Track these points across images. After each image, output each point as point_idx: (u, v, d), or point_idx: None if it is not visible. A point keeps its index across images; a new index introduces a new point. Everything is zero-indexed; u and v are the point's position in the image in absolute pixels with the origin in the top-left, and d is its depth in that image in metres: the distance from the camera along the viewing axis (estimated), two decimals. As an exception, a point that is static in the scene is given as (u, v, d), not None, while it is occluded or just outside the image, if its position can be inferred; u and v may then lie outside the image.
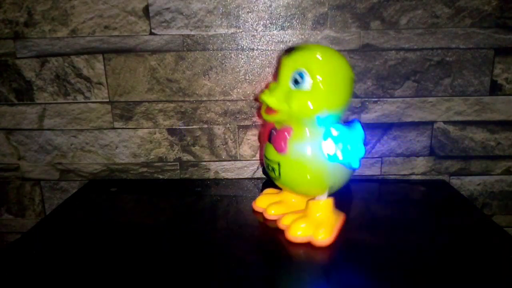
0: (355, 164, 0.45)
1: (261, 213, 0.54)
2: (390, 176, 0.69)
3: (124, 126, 0.68)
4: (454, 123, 0.66)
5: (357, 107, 0.65)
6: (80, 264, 0.44)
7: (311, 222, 0.46)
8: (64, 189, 0.72)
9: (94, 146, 0.69)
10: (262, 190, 0.63)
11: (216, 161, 0.69)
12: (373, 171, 0.69)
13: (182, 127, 0.62)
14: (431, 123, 0.66)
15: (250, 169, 0.69)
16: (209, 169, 0.70)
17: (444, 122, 0.66)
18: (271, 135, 0.48)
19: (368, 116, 0.66)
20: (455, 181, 0.69)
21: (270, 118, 0.46)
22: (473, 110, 0.65)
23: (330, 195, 0.48)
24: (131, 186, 0.68)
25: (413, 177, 0.69)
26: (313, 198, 0.48)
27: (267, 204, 0.53)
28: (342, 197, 0.55)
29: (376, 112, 0.66)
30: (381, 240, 0.47)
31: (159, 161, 0.69)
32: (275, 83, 0.46)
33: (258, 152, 0.68)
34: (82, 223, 0.54)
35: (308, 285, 0.40)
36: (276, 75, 0.49)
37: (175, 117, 0.67)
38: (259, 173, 0.69)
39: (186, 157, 0.69)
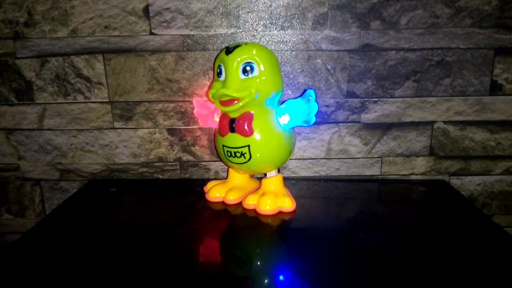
0: (312, 120, 0.52)
1: (263, 214, 0.54)
2: (390, 176, 0.69)
3: (124, 126, 0.68)
4: (454, 123, 0.66)
5: (357, 107, 0.65)
6: (80, 264, 0.44)
7: (273, 196, 0.55)
8: (64, 189, 0.72)
9: (94, 146, 0.69)
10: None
11: (216, 161, 0.69)
12: (373, 171, 0.69)
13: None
14: (431, 123, 0.66)
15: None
16: (209, 169, 0.70)
17: (444, 122, 0.66)
18: (232, 125, 0.53)
19: (368, 116, 0.66)
20: (455, 181, 0.69)
21: (229, 108, 0.52)
22: (473, 110, 0.65)
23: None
24: (131, 186, 0.68)
25: (413, 177, 0.69)
26: (265, 177, 0.57)
27: (218, 193, 0.59)
28: (342, 197, 0.55)
29: (376, 112, 0.66)
30: (381, 240, 0.47)
31: (159, 161, 0.69)
32: (219, 81, 0.52)
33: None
34: (82, 223, 0.54)
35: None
36: (215, 74, 0.54)
37: (175, 117, 0.67)
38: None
39: (186, 157, 0.69)
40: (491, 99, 0.65)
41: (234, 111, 0.52)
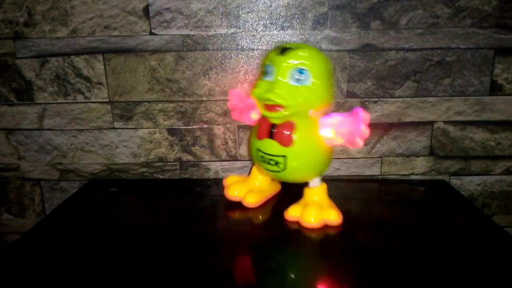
0: (358, 144, 0.47)
1: (260, 214, 0.54)
2: (390, 176, 0.69)
3: (124, 126, 0.68)
4: (454, 123, 0.66)
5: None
6: (80, 264, 0.44)
7: (317, 208, 0.50)
8: (64, 189, 0.72)
9: (94, 146, 0.69)
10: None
11: (216, 161, 0.69)
12: (373, 171, 0.69)
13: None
14: (431, 123, 0.66)
15: (250, 169, 0.69)
16: (209, 169, 0.70)
17: (444, 122, 0.66)
18: (271, 131, 0.50)
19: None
20: (455, 181, 0.69)
21: (272, 114, 0.48)
22: (473, 110, 0.65)
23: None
24: (131, 186, 0.68)
25: (413, 177, 0.69)
26: (307, 185, 0.53)
27: (237, 191, 0.56)
28: (342, 197, 0.55)
29: (376, 112, 0.66)
30: (381, 240, 0.47)
31: (159, 161, 0.69)
32: (266, 81, 0.48)
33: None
34: (82, 223, 0.54)
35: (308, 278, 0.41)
36: (261, 72, 0.51)
37: (175, 117, 0.67)
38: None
39: (186, 157, 0.69)
40: (491, 99, 0.65)
41: (277, 117, 0.49)
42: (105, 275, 0.42)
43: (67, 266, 0.43)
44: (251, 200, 0.55)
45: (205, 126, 0.67)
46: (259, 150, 0.52)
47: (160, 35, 0.63)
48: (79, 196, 0.64)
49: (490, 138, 0.67)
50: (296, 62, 0.47)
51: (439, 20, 0.61)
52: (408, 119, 0.66)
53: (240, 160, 0.69)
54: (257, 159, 0.53)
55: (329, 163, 0.53)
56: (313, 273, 0.43)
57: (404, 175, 0.69)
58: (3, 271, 0.43)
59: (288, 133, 0.49)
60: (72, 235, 0.51)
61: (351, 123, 0.47)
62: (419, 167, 0.68)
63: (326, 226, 0.50)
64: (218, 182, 0.68)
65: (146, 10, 0.62)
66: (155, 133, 0.68)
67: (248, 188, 0.56)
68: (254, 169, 0.58)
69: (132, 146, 0.69)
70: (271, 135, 0.50)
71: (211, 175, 0.70)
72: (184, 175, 0.70)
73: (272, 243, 0.48)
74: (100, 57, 0.64)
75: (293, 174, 0.51)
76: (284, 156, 0.49)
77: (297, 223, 0.51)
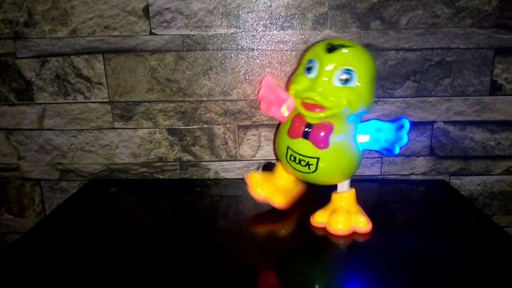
0: (395, 151, 0.45)
1: (257, 213, 0.54)
2: (390, 176, 0.69)
3: (124, 126, 0.68)
4: (454, 123, 0.66)
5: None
6: (80, 264, 0.44)
7: (345, 214, 0.49)
8: (64, 189, 0.72)
9: (94, 146, 0.69)
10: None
11: (216, 161, 0.69)
12: (373, 171, 0.69)
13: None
14: (431, 123, 0.66)
15: (250, 169, 0.69)
16: (209, 169, 0.70)
17: (444, 122, 0.66)
18: (306, 131, 0.47)
19: (368, 116, 0.66)
20: (455, 181, 0.69)
21: (311, 114, 0.46)
22: (473, 110, 0.65)
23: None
24: (131, 186, 0.68)
25: (413, 177, 0.69)
26: (335, 189, 0.51)
27: (260, 188, 0.53)
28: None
29: (376, 112, 0.66)
30: (381, 240, 0.47)
31: (159, 161, 0.69)
32: (308, 77, 0.46)
33: (258, 152, 0.68)
34: (82, 223, 0.54)
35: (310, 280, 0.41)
36: (301, 66, 0.48)
37: (175, 117, 0.67)
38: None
39: (186, 157, 0.69)
40: (491, 99, 0.65)
41: (317, 118, 0.46)
42: (105, 275, 0.42)
43: (67, 266, 0.43)
44: (279, 201, 0.52)
45: (205, 126, 0.67)
46: (289, 148, 0.49)
47: (160, 35, 0.63)
48: (79, 196, 0.64)
49: (490, 138, 0.67)
50: (344, 61, 0.44)
51: (439, 20, 0.61)
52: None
53: (240, 160, 0.69)
54: (286, 157, 0.50)
55: (359, 166, 0.51)
56: (340, 284, 0.41)
57: (404, 175, 0.69)
58: (3, 271, 0.43)
59: (325, 135, 0.46)
60: (72, 235, 0.51)
61: (391, 130, 0.46)
62: (419, 167, 0.68)
63: (354, 233, 0.49)
64: (218, 182, 0.68)
65: (146, 10, 0.62)
66: (155, 133, 0.68)
67: (274, 187, 0.54)
68: (280, 167, 0.55)
69: (132, 146, 0.69)
70: (305, 135, 0.47)
71: (211, 175, 0.70)
72: (184, 175, 0.70)
73: (296, 250, 0.46)
74: (100, 57, 0.64)
75: (323, 176, 0.49)
76: (317, 158, 0.47)
77: (324, 229, 0.49)
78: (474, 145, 0.67)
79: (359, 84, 0.45)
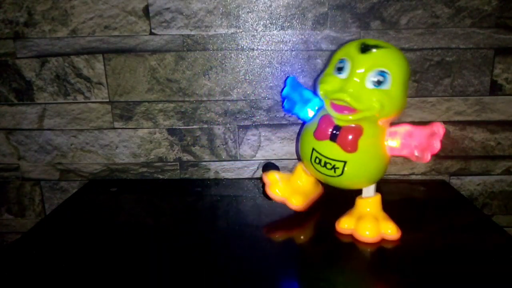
0: (425, 159, 0.44)
1: (257, 213, 0.54)
2: (390, 176, 0.69)
3: (124, 126, 0.68)
4: (454, 123, 0.66)
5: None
6: (80, 264, 0.44)
7: (373, 220, 0.47)
8: (64, 189, 0.72)
9: (94, 146, 0.69)
10: (262, 191, 0.63)
11: (216, 161, 0.69)
12: (373, 171, 0.69)
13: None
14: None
15: (250, 169, 0.69)
16: (209, 169, 0.70)
17: (444, 122, 0.66)
18: (334, 133, 0.45)
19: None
20: (455, 181, 0.69)
21: (341, 116, 0.44)
22: (473, 110, 0.65)
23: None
24: (131, 186, 0.68)
25: (413, 177, 0.69)
26: (360, 194, 0.50)
27: (279, 189, 0.52)
28: (342, 197, 0.55)
29: (376, 112, 0.66)
30: (381, 240, 0.47)
31: (159, 161, 0.69)
32: (338, 77, 0.44)
33: (258, 152, 0.68)
34: (82, 223, 0.54)
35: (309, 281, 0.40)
36: (332, 66, 0.46)
37: (175, 117, 0.67)
38: (259, 173, 0.69)
39: (186, 157, 0.69)
40: (491, 99, 0.65)
41: (346, 120, 0.44)
42: (105, 275, 0.42)
43: (67, 266, 0.43)
44: (297, 203, 0.51)
45: (205, 126, 0.67)
46: (315, 150, 0.47)
47: (160, 35, 0.63)
48: (79, 196, 0.64)
49: (490, 138, 0.67)
50: (377, 63, 0.42)
51: (439, 20, 0.61)
52: (408, 119, 0.66)
53: (240, 160, 0.69)
54: (310, 159, 0.48)
55: (385, 171, 0.49)
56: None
57: (404, 175, 0.69)
58: (3, 271, 0.43)
59: (354, 138, 0.44)
60: (72, 235, 0.51)
61: (423, 136, 0.44)
62: (419, 167, 0.68)
63: (382, 240, 0.47)
64: (218, 182, 0.68)
65: (146, 10, 0.62)
66: (155, 133, 0.68)
67: (292, 188, 0.52)
68: (299, 168, 0.53)
69: (132, 146, 0.69)
70: (332, 137, 0.45)
71: (211, 175, 0.70)
72: (184, 175, 0.70)
73: (321, 257, 0.45)
74: (100, 57, 0.64)
75: (349, 181, 0.47)
76: (344, 162, 0.45)
77: (351, 236, 0.48)
78: (474, 145, 0.67)
79: (393, 87, 0.43)
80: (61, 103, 0.67)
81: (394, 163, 0.68)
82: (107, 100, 0.66)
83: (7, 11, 0.63)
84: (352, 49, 0.44)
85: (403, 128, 0.46)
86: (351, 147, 0.44)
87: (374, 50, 0.43)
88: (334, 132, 0.45)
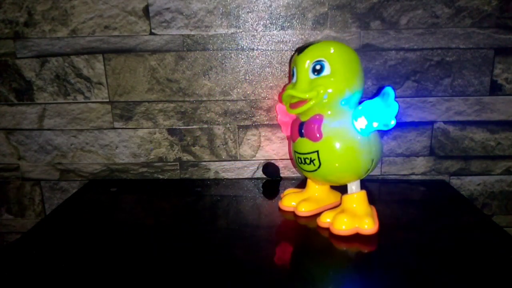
0: (390, 124, 0.45)
1: (257, 213, 0.54)
2: (390, 176, 0.69)
3: (124, 126, 0.68)
4: (454, 123, 0.66)
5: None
6: (80, 264, 0.44)
7: (352, 215, 0.49)
8: (64, 189, 0.72)
9: (94, 146, 0.69)
10: (262, 191, 0.63)
11: (216, 161, 0.69)
12: (373, 171, 0.68)
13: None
14: (431, 123, 0.66)
15: (250, 169, 0.69)
16: (209, 169, 0.70)
17: (444, 122, 0.66)
18: (301, 129, 0.50)
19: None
20: (455, 181, 0.69)
21: (298, 110, 0.49)
22: (473, 110, 0.65)
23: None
24: (131, 186, 0.68)
25: (413, 177, 0.69)
26: (346, 192, 0.51)
27: (293, 202, 0.55)
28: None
29: (376, 112, 0.66)
30: (381, 240, 0.47)
31: (159, 161, 0.69)
32: (292, 83, 0.50)
33: (258, 152, 0.68)
34: (82, 223, 0.54)
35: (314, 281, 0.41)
36: (290, 77, 0.52)
37: (175, 117, 0.67)
38: (259, 173, 0.69)
39: (186, 157, 0.69)
40: (491, 99, 0.65)
41: (303, 113, 0.49)
42: (105, 275, 0.42)
43: (67, 266, 0.43)
44: (303, 209, 0.53)
45: (205, 126, 0.67)
46: (295, 152, 0.52)
47: (160, 35, 0.63)
48: (79, 196, 0.64)
49: (490, 138, 0.67)
50: (313, 55, 0.48)
51: (439, 20, 0.61)
52: (408, 119, 0.66)
53: (240, 160, 0.69)
54: (297, 163, 0.52)
55: (372, 160, 0.50)
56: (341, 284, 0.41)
57: (404, 175, 0.69)
58: (3, 271, 0.43)
59: (316, 125, 0.48)
60: (72, 235, 0.51)
61: (378, 102, 0.46)
62: (419, 167, 0.68)
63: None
64: (218, 182, 0.68)
65: (146, 10, 0.62)
66: (155, 133, 0.68)
67: (302, 198, 0.55)
68: (309, 180, 0.56)
69: (132, 146, 0.69)
70: (301, 134, 0.50)
71: (211, 175, 0.70)
72: (184, 175, 0.70)
73: (299, 250, 0.47)
74: (100, 57, 0.64)
75: (329, 170, 0.49)
76: (316, 152, 0.48)
77: (328, 229, 0.49)
78: (474, 145, 0.67)
79: (335, 70, 0.47)
80: (61, 103, 0.67)
81: (394, 163, 0.68)
82: (107, 100, 0.66)
83: (7, 11, 0.63)
84: (294, 57, 0.50)
85: (361, 105, 0.47)
86: (315, 136, 0.48)
87: (306, 48, 0.49)
88: (301, 129, 0.50)
